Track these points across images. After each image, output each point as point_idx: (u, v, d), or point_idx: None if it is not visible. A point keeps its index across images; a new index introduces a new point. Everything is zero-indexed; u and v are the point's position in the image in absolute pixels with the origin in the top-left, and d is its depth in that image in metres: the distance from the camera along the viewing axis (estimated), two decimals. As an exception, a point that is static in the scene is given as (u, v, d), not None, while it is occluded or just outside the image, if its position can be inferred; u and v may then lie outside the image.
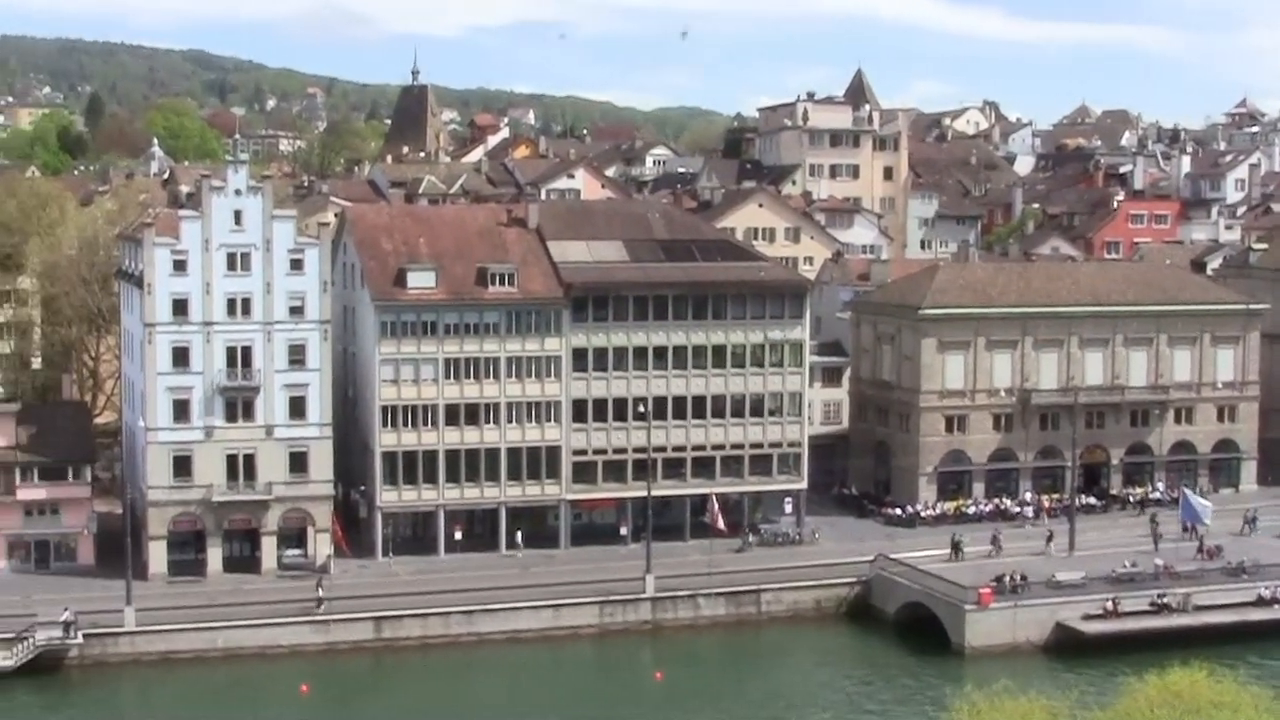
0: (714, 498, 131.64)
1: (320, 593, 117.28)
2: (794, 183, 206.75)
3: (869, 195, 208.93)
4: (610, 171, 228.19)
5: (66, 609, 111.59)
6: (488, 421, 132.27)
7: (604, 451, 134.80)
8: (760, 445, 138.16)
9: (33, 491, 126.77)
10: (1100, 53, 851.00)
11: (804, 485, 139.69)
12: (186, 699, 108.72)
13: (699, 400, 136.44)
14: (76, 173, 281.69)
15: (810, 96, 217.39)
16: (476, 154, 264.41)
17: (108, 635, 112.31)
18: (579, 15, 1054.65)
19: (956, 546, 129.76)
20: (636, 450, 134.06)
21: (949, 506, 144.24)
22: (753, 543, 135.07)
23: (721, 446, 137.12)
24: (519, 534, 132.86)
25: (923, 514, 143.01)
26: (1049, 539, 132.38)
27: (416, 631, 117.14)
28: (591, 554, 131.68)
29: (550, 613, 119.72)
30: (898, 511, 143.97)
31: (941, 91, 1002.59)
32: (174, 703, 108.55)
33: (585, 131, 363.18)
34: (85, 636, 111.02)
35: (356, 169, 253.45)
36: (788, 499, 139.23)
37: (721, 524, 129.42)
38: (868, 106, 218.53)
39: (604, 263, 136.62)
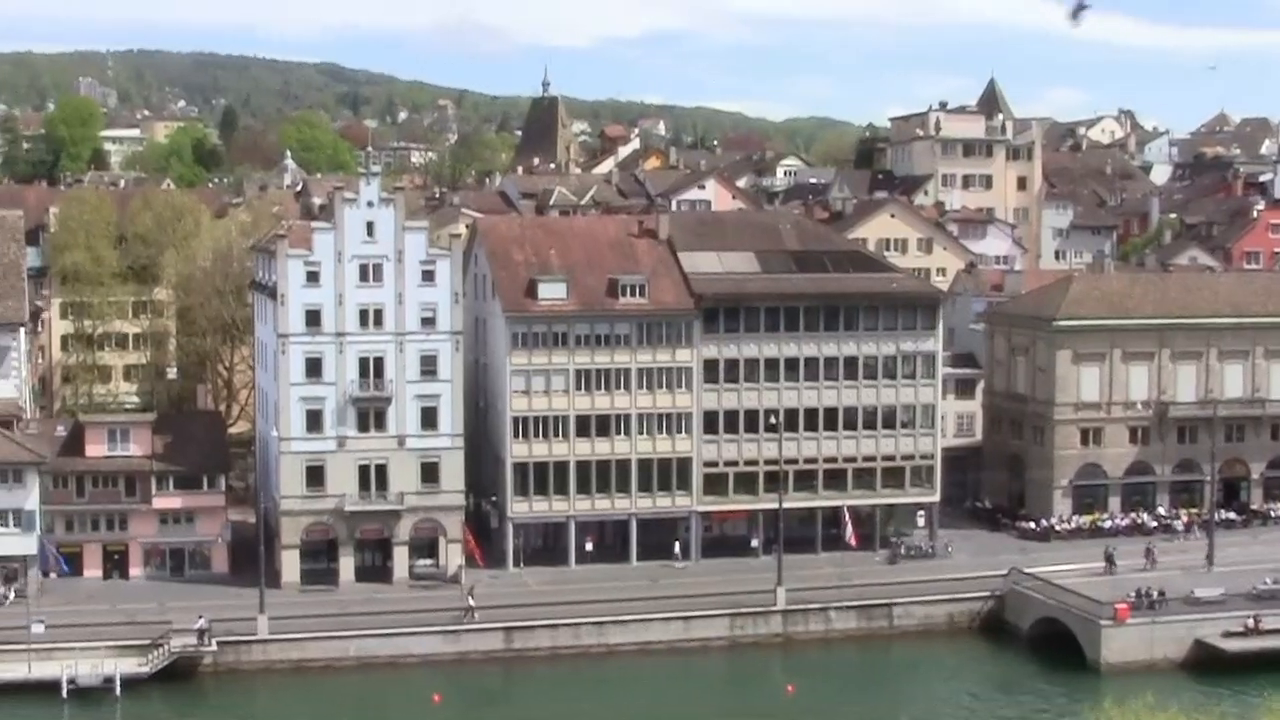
0: (846, 510, 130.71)
1: (470, 601, 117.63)
2: (926, 193, 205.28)
3: (1002, 205, 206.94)
4: (741, 182, 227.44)
5: (201, 617, 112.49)
6: (618, 433, 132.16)
7: (735, 463, 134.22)
8: (892, 458, 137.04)
9: (168, 500, 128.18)
10: (1239, 59, 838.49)
11: (937, 498, 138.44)
12: (318, 707, 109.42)
13: (830, 412, 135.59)
14: (211, 185, 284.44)
15: (943, 106, 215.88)
16: (607, 165, 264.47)
17: (241, 643, 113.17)
18: (709, 25, 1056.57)
19: (1109, 559, 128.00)
20: (768, 462, 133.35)
21: (1084, 520, 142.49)
22: (884, 556, 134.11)
23: (853, 459, 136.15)
24: (678, 544, 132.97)
25: (1057, 528, 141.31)
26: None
27: (547, 642, 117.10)
28: (722, 566, 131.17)
29: (680, 625, 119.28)
30: (1032, 525, 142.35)
31: (1076, 100, 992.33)
32: (306, 711, 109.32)
33: (716, 142, 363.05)
34: (219, 644, 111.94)
35: (488, 180, 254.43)
36: (920, 512, 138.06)
37: (853, 537, 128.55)
38: (1001, 116, 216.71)
39: (735, 274, 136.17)
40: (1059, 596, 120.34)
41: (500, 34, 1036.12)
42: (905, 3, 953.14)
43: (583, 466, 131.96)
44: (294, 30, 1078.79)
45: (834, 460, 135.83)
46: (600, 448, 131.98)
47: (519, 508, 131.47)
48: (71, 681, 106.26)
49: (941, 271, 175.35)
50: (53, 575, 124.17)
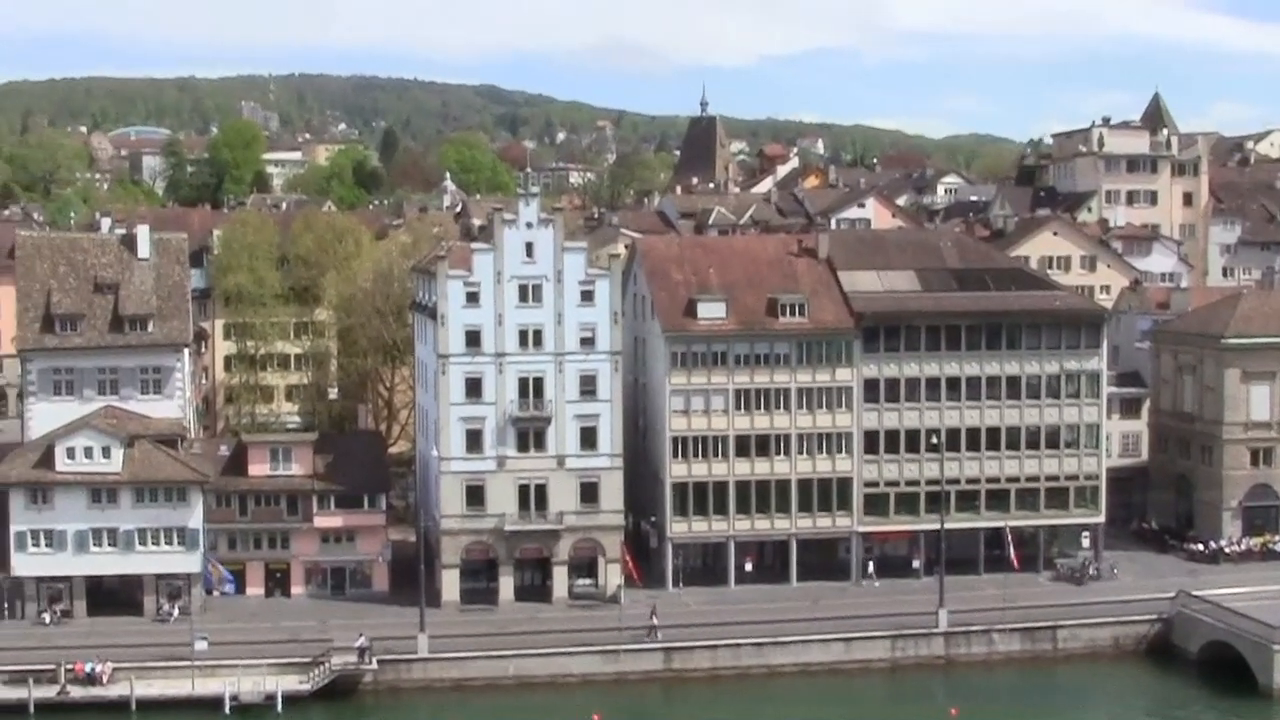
0: (1009, 531, 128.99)
1: (654, 620, 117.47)
2: (1089, 210, 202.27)
3: (1168, 222, 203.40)
4: (901, 200, 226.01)
5: (362, 635, 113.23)
6: (778, 453, 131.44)
7: (896, 483, 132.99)
8: (1056, 478, 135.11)
9: (329, 519, 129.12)
10: None
11: (1102, 519, 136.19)
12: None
13: (993, 432, 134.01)
14: (371, 207, 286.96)
15: (1106, 121, 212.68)
16: (766, 184, 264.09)
17: (401, 661, 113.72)
18: (868, 42, 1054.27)
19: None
20: (929, 482, 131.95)
21: (1255, 542, 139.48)
22: (1048, 577, 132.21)
23: (1016, 479, 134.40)
24: (871, 564, 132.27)
25: (1227, 550, 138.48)
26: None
27: (706, 663, 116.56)
28: (882, 587, 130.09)
29: (841, 646, 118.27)
30: (1200, 547, 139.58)
31: (1243, 114, 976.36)
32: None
33: (875, 160, 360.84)
34: (380, 662, 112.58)
35: (646, 200, 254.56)
36: (1085, 533, 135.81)
37: (1016, 558, 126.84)
38: (1166, 131, 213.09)
39: (896, 292, 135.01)
40: (1229, 620, 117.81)
41: (658, 54, 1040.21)
42: (1066, 19, 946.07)
43: (742, 486, 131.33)
44: (453, 53, 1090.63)
45: (996, 480, 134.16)
46: (760, 468, 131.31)
47: (678, 528, 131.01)
48: (234, 698, 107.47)
49: (1105, 289, 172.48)
50: (216, 593, 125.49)
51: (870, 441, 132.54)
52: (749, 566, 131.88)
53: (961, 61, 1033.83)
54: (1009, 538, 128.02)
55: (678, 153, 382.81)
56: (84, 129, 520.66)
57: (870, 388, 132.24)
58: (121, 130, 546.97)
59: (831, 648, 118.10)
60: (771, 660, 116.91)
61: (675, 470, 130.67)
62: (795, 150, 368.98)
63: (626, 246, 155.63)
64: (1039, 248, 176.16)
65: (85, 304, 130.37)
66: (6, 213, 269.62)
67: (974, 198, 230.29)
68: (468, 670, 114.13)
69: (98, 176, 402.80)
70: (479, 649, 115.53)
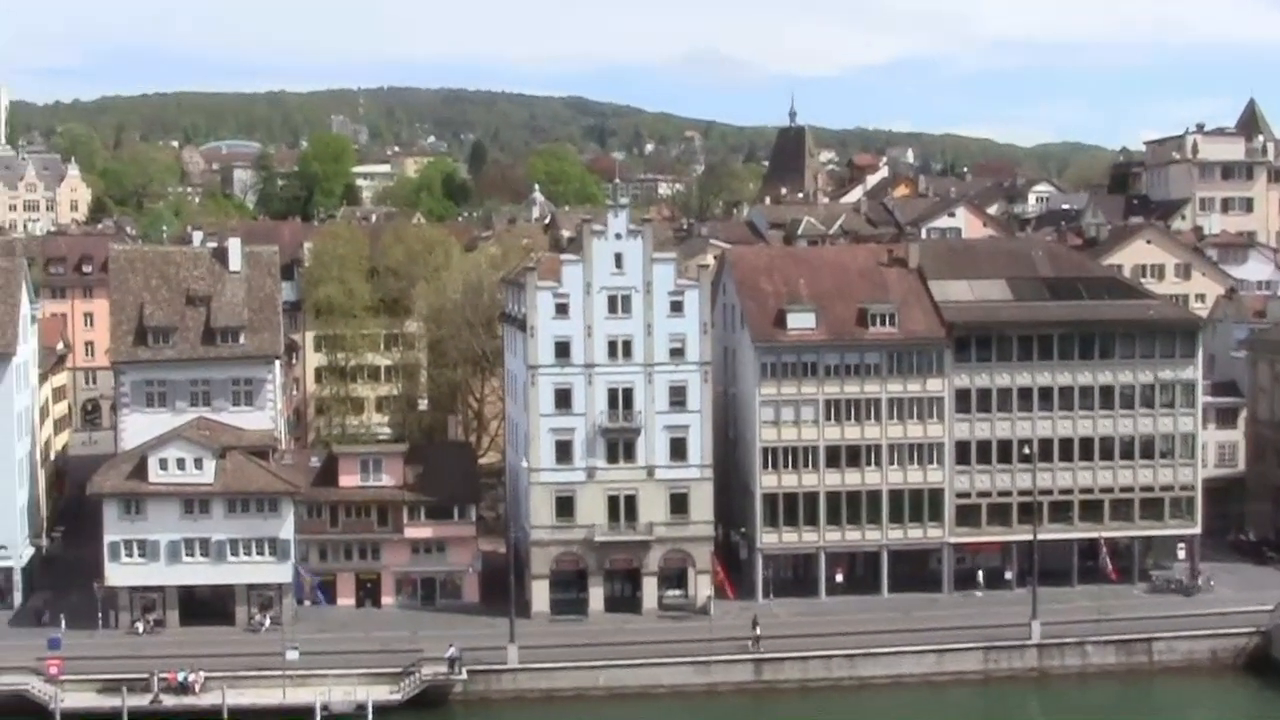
0: (1103, 542, 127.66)
1: (757, 631, 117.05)
2: (1183, 217, 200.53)
3: (1264, 229, 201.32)
4: (991, 209, 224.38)
5: (452, 645, 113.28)
6: (869, 463, 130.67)
7: (988, 494, 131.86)
8: (1151, 488, 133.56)
9: (420, 530, 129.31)
10: None
11: (1198, 530, 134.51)
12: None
13: (1086, 442, 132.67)
14: (461, 219, 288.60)
15: (1200, 128, 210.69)
16: (855, 194, 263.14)
17: (492, 672, 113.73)
18: (958, 51, 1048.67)
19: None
20: (1021, 493, 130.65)
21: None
22: (1143, 589, 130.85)
23: (1110, 489, 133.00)
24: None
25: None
26: None
27: (797, 674, 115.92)
28: (975, 598, 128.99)
29: (933, 658, 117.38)
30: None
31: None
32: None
33: (965, 169, 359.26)
34: (470, 672, 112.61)
35: (735, 211, 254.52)
36: (1180, 544, 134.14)
37: (1111, 570, 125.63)
38: (1261, 137, 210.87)
39: (987, 302, 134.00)
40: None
41: (746, 65, 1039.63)
42: (1159, 25, 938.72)
43: (833, 497, 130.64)
44: (541, 65, 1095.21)
45: (1090, 491, 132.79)
46: (850, 478, 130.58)
47: (768, 539, 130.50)
48: (325, 708, 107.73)
49: (1200, 298, 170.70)
50: (307, 603, 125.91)
51: (962, 452, 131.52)
52: (840, 578, 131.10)
53: (1053, 69, 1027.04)
54: (1103, 549, 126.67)
55: (766, 163, 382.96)
56: (176, 144, 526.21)
57: (962, 398, 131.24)
58: (213, 144, 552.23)
59: (923, 659, 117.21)
60: (863, 672, 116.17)
61: (765, 481, 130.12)
62: (885, 160, 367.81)
63: (716, 257, 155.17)
64: (1132, 256, 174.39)
65: (178, 316, 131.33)
66: (100, 226, 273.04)
67: (1066, 206, 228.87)
68: (557, 681, 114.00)
69: (189, 190, 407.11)
70: (569, 660, 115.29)
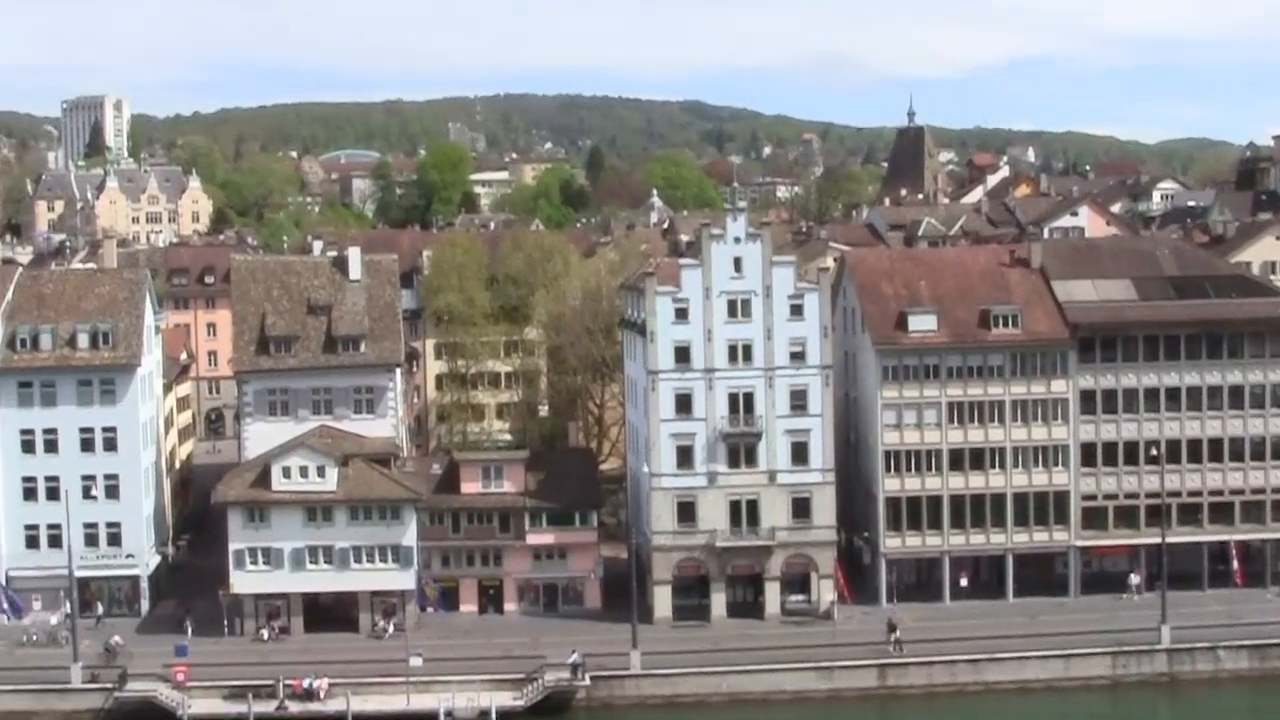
0: (1233, 545, 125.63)
1: (898, 634, 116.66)
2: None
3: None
4: (1115, 208, 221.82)
5: (574, 651, 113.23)
6: (992, 466, 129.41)
7: (1115, 496, 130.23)
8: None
9: (541, 536, 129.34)
10: None
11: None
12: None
13: (1215, 443, 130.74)
14: (579, 225, 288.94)
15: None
16: (976, 194, 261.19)
17: (614, 678, 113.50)
18: (1079, 49, 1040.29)
19: None
20: (1149, 495, 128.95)
21: None
22: (1276, 592, 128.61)
23: (1241, 491, 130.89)
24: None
25: None
26: None
27: (921, 680, 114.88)
28: (1101, 603, 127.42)
29: (1060, 663, 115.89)
30: None
31: None
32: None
33: (1088, 167, 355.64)
34: (592, 679, 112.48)
35: (854, 213, 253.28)
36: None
37: (1240, 573, 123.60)
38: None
39: (1112, 302, 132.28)
40: None
41: (863, 66, 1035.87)
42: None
43: (956, 501, 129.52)
44: (657, 70, 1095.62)
45: (1220, 493, 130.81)
46: (974, 481, 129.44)
47: (891, 543, 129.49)
48: (449, 714, 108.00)
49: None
50: (429, 609, 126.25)
51: (1087, 454, 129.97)
52: (964, 582, 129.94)
53: (1176, 65, 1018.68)
54: (1234, 552, 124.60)
55: (885, 165, 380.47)
56: (295, 154, 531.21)
57: (1086, 399, 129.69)
58: (331, 154, 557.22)
59: (1050, 664, 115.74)
60: (988, 677, 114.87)
61: (888, 485, 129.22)
62: (1005, 159, 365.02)
63: (835, 260, 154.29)
64: (1261, 253, 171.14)
65: (299, 325, 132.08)
66: (221, 237, 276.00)
67: (1192, 203, 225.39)
68: (680, 687, 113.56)
69: (309, 200, 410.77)
70: (691, 665, 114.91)
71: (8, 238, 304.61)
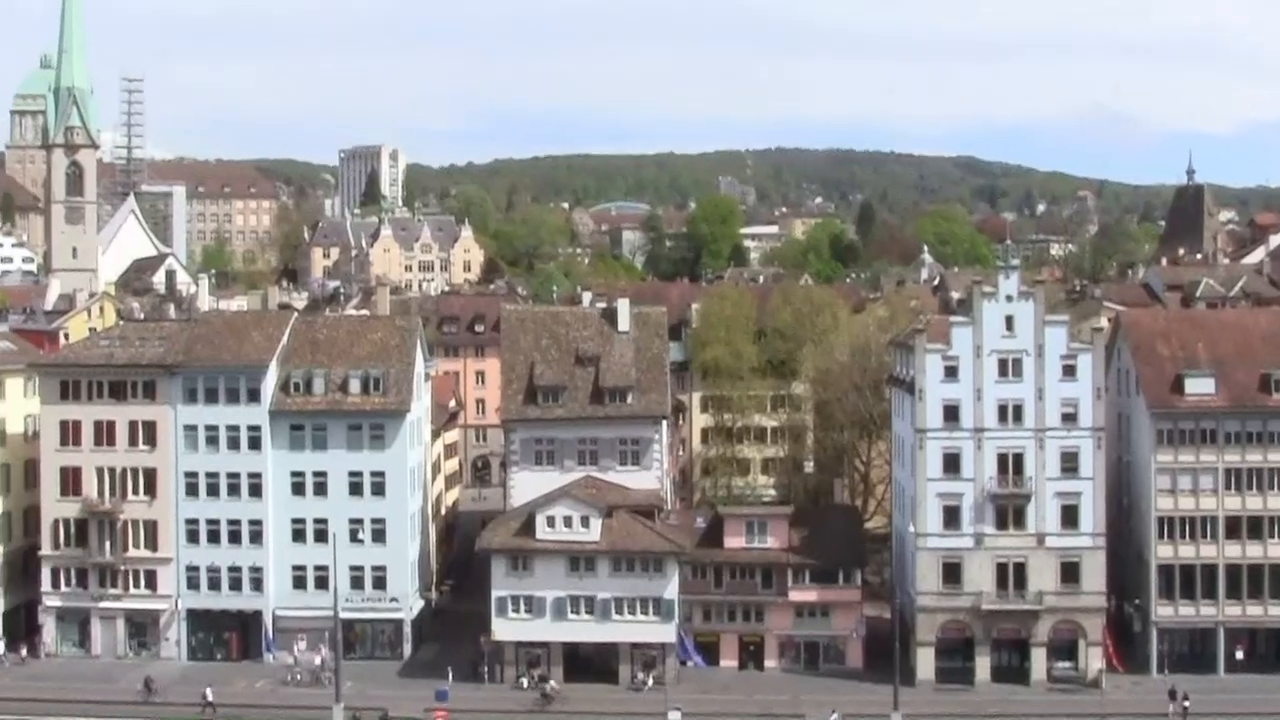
0: None
1: (1186, 704, 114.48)
2: None
3: None
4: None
5: (834, 711, 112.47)
6: (1271, 536, 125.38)
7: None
8: None
9: (804, 593, 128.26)
10: None
11: None
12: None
13: None
14: (848, 280, 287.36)
15: None
16: (1257, 254, 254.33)
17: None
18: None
19: None
20: None
21: None
22: None
23: None
24: None
25: None
26: None
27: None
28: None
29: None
30: None
31: None
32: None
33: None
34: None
35: (1130, 272, 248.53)
36: None
37: None
38: None
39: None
40: None
41: (1139, 122, 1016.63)
42: None
43: (1232, 570, 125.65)
44: (930, 124, 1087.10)
45: None
46: (1251, 550, 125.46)
47: (1164, 611, 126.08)
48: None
49: None
50: (689, 664, 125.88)
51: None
52: (1240, 654, 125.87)
53: None
54: None
55: (1163, 223, 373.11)
56: (566, 205, 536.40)
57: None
58: (602, 206, 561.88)
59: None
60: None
61: (1161, 551, 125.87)
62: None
63: (1110, 320, 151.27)
64: None
65: (567, 376, 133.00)
66: (492, 287, 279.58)
67: None
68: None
69: (579, 251, 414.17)
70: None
71: (285, 283, 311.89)
